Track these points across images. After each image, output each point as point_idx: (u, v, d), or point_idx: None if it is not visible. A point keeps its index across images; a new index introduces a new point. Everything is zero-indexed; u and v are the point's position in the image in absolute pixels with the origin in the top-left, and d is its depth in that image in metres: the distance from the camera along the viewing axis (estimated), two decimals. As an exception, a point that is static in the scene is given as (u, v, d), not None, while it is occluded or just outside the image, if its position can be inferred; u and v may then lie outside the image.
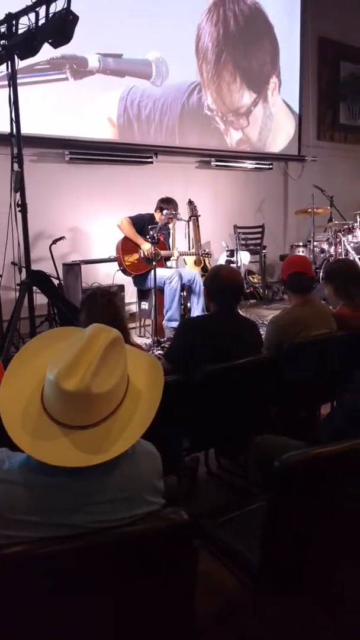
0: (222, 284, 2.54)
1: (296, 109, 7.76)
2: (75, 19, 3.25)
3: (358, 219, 6.91)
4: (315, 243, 6.67)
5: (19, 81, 3.52)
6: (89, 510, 1.11)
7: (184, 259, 5.66)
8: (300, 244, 7.01)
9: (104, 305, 2.22)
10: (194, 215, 5.74)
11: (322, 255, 6.66)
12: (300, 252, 6.84)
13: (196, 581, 1.25)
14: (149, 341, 4.72)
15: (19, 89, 3.63)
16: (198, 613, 1.58)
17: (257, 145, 7.25)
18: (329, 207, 6.90)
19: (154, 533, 1.15)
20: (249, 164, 7.32)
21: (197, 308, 4.98)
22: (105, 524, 1.12)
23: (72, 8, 3.25)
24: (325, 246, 6.64)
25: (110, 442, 1.12)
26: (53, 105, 5.23)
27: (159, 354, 4.03)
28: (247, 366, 2.38)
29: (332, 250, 6.50)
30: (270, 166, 7.58)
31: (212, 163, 6.80)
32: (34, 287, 3.96)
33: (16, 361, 1.23)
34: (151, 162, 6.16)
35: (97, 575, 1.13)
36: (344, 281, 3.00)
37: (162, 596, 1.21)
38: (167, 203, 5.03)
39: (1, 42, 3.56)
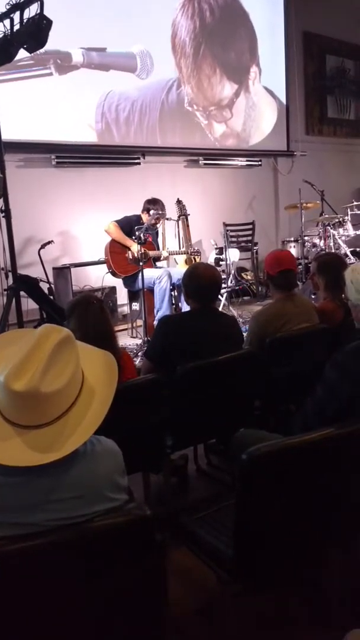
0: (199, 281, 2.55)
1: (283, 103, 7.77)
2: (48, 23, 3.27)
3: (349, 212, 6.93)
4: (306, 238, 6.67)
5: (1, 78, 3.53)
6: (46, 508, 1.13)
7: (174, 259, 5.67)
8: (292, 239, 7.02)
9: (98, 312, 2.23)
10: (183, 215, 5.74)
11: (313, 249, 6.66)
12: (292, 247, 6.85)
13: (165, 574, 1.26)
14: (140, 342, 4.73)
15: (2, 86, 3.60)
16: (175, 607, 1.60)
17: (242, 135, 7.22)
18: (319, 202, 6.90)
19: (114, 528, 1.16)
20: (237, 161, 7.32)
21: (187, 307, 4.98)
22: (64, 522, 1.13)
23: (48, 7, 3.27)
24: (317, 240, 6.65)
25: (63, 440, 1.13)
26: (38, 105, 5.25)
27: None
28: (228, 362, 2.39)
29: (322, 244, 6.50)
30: (259, 162, 7.59)
31: (200, 162, 6.81)
32: (22, 292, 3.98)
33: None
34: (139, 163, 6.18)
35: (58, 573, 1.14)
36: (335, 274, 2.99)
37: (128, 590, 1.22)
38: (153, 204, 5.05)
39: (-22, 50, 3.58)
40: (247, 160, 7.43)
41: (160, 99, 6.30)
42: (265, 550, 1.54)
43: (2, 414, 1.14)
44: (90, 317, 2.19)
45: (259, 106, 7.38)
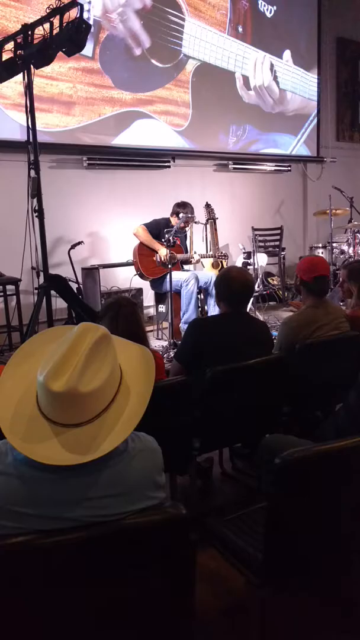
0: (230, 284, 2.55)
1: (315, 109, 7.75)
2: (87, 27, 3.31)
3: (379, 220, 6.86)
4: (334, 244, 6.62)
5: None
6: (85, 504, 1.14)
7: (201, 262, 5.69)
8: (320, 245, 6.98)
9: (129, 314, 2.27)
10: (212, 218, 5.76)
11: (342, 256, 6.62)
12: (320, 253, 6.81)
13: (195, 574, 1.26)
14: (166, 343, 4.75)
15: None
16: (202, 608, 1.60)
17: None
18: (348, 208, 6.85)
19: (150, 526, 1.17)
20: (267, 166, 7.32)
21: (214, 310, 4.99)
22: (102, 519, 1.15)
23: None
24: (345, 247, 6.60)
25: (101, 439, 1.14)
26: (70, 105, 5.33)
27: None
28: (257, 366, 2.39)
29: (351, 251, 6.45)
30: (289, 168, 7.57)
31: (229, 166, 6.82)
32: (53, 291, 4.04)
33: (12, 362, 1.27)
34: (168, 167, 6.21)
35: (94, 567, 1.16)
36: None
37: (159, 588, 1.23)
38: (182, 207, 5.07)
39: (18, 52, 3.65)
40: (276, 166, 7.42)
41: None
42: (294, 555, 1.54)
43: (42, 412, 1.16)
44: (121, 320, 2.23)
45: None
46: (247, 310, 5.42)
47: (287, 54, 7.31)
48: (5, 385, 1.22)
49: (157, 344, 4.96)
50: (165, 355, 4.29)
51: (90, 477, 1.15)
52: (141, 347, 1.33)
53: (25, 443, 1.13)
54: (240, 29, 6.74)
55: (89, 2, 5.04)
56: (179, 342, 4.56)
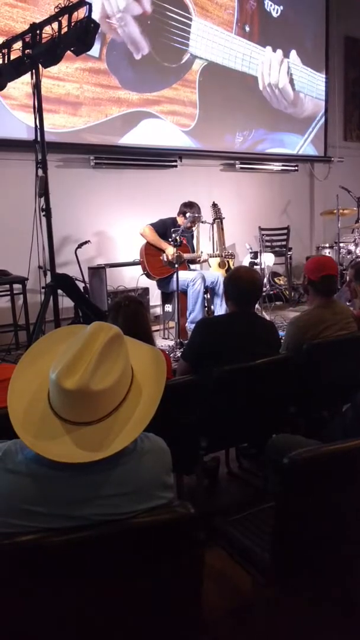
0: (239, 283, 2.55)
1: (322, 109, 7.73)
2: (96, 27, 3.32)
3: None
4: (341, 244, 6.61)
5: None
6: (95, 503, 1.14)
7: (208, 262, 5.69)
8: (327, 245, 6.96)
9: (129, 314, 2.28)
10: (218, 218, 5.75)
11: (349, 256, 6.59)
12: (327, 253, 6.79)
13: (202, 573, 1.26)
14: (172, 343, 4.75)
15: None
16: (208, 607, 1.60)
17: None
18: (355, 208, 6.83)
19: (159, 525, 1.18)
20: (274, 166, 7.31)
21: (220, 310, 4.99)
22: (112, 517, 1.15)
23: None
24: (352, 247, 6.58)
25: (112, 437, 1.15)
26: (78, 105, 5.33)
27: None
28: (264, 366, 2.39)
29: (358, 251, 6.43)
30: (296, 168, 7.55)
31: (236, 166, 6.81)
32: (59, 290, 4.05)
33: (25, 360, 1.28)
34: (175, 166, 6.21)
35: (103, 565, 1.16)
36: None
37: (167, 587, 1.23)
38: (189, 207, 5.07)
39: (26, 52, 3.66)
40: (284, 165, 7.41)
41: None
42: (302, 555, 1.54)
43: (54, 410, 1.17)
44: (121, 320, 2.24)
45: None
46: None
47: (293, 53, 7.30)
48: (17, 384, 1.23)
49: (163, 343, 4.96)
50: (171, 355, 4.30)
51: (101, 475, 1.16)
52: (152, 347, 1.33)
53: (37, 440, 1.14)
54: (247, 29, 6.73)
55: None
56: (186, 341, 4.59)
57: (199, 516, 1.22)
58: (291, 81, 7.28)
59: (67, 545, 1.13)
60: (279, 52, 7.10)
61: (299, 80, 7.41)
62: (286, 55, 7.21)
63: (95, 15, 5.26)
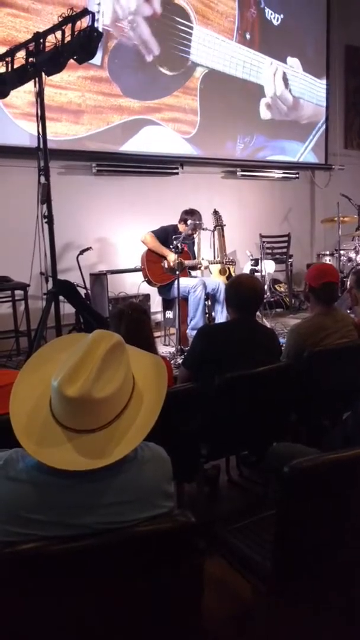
0: (240, 291, 2.56)
1: (323, 117, 7.77)
2: (99, 35, 3.34)
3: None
4: (342, 252, 6.62)
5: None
6: (96, 511, 1.15)
7: (209, 269, 5.70)
8: (327, 252, 6.97)
9: (132, 323, 2.28)
10: (219, 225, 5.77)
11: (349, 264, 6.61)
12: (327, 260, 6.80)
13: (203, 581, 1.27)
14: (173, 349, 4.76)
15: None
16: (208, 616, 1.60)
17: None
18: (355, 216, 6.85)
19: (159, 533, 1.18)
20: (274, 174, 7.33)
21: (221, 317, 5.00)
22: (111, 526, 1.15)
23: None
24: (352, 255, 6.59)
25: (113, 445, 1.15)
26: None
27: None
28: (266, 374, 2.39)
29: (359, 258, 6.44)
30: (297, 175, 7.58)
31: (237, 173, 6.84)
32: (61, 297, 4.06)
33: (27, 368, 1.28)
34: (177, 174, 6.24)
35: (103, 574, 1.16)
36: None
37: (167, 595, 1.23)
38: (190, 214, 5.09)
39: (29, 60, 3.69)
40: (284, 173, 7.43)
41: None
42: (303, 562, 1.54)
43: (55, 418, 1.17)
44: (123, 327, 2.25)
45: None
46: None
47: (295, 61, 7.34)
48: (20, 391, 1.23)
49: (164, 350, 4.97)
50: (172, 362, 4.30)
51: (102, 483, 1.16)
52: (154, 356, 1.34)
53: (39, 448, 1.14)
54: (247, 36, 6.78)
55: (98, 12, 5.11)
56: (187, 348, 4.59)
57: (199, 524, 1.22)
58: (290, 86, 7.31)
59: (69, 554, 1.13)
60: (279, 58, 7.14)
61: (298, 86, 7.45)
62: (286, 61, 7.25)
63: (107, 21, 5.36)
